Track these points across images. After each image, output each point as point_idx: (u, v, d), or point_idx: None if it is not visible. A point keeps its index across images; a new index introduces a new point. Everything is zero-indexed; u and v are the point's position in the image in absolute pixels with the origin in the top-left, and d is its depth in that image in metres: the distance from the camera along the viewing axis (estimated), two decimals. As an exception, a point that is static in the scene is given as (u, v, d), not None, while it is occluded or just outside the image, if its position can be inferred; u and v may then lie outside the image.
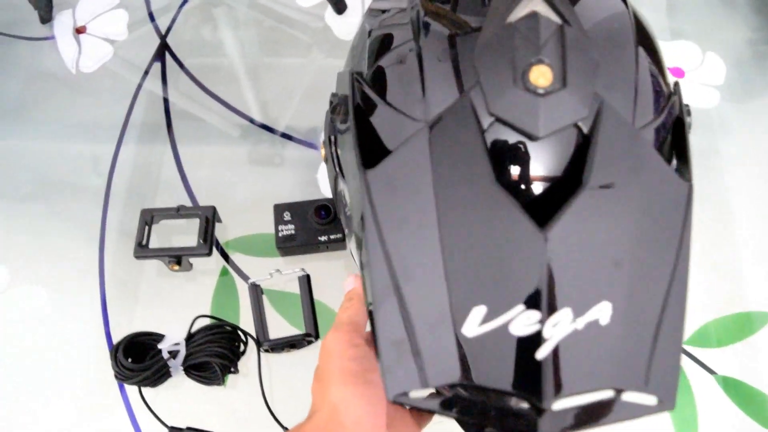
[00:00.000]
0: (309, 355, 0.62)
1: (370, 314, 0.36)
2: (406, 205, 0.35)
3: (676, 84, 0.41)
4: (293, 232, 0.62)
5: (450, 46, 0.37)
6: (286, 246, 0.62)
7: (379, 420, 0.39)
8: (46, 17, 0.76)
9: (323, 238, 0.62)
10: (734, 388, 0.57)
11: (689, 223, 0.36)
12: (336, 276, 0.64)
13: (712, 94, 0.71)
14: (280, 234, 0.62)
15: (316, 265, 0.64)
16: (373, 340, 0.36)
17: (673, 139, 0.39)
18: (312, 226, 0.62)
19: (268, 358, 0.61)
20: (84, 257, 0.66)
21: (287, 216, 0.63)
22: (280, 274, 0.63)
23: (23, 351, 0.63)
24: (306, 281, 0.62)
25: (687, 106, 0.41)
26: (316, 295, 0.62)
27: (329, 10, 0.76)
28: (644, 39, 0.40)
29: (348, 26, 0.75)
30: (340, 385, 0.39)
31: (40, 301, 0.64)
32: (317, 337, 0.62)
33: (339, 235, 0.62)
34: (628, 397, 0.35)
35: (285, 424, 0.57)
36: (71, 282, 0.65)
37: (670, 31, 0.76)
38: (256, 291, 0.62)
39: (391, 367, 0.34)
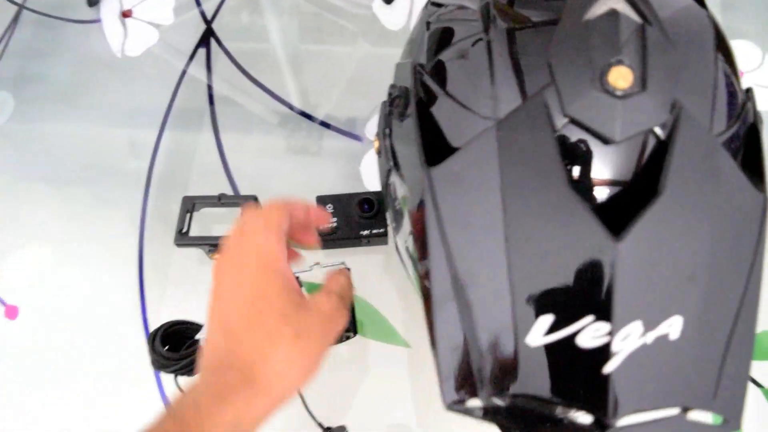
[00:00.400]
0: (346, 350, 0.61)
1: (428, 316, 0.35)
2: (472, 206, 0.34)
3: (750, 90, 0.39)
4: (335, 224, 0.61)
5: (522, 41, 0.36)
6: (328, 239, 0.61)
7: (305, 381, 0.36)
8: (94, 0, 0.75)
9: (366, 233, 0.60)
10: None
11: (764, 236, 0.35)
12: (376, 271, 0.63)
13: (772, 97, 0.69)
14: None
15: (356, 259, 0.63)
16: (431, 344, 0.35)
17: (747, 148, 0.38)
18: (355, 219, 0.61)
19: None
20: (124, 243, 0.65)
21: (330, 208, 0.61)
22: (320, 267, 0.62)
23: (62, 334, 0.63)
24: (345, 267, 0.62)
25: (760, 113, 0.39)
26: (355, 290, 0.62)
27: (377, 2, 0.74)
28: (722, 42, 0.38)
29: (396, 16, 0.74)
30: (276, 340, 0.35)
31: (81, 284, 0.64)
32: (356, 332, 0.61)
33: (382, 230, 0.61)
34: (694, 415, 0.33)
35: (320, 420, 0.56)
36: (111, 267, 0.65)
37: (727, 29, 0.74)
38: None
39: (450, 373, 0.33)
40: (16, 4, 0.77)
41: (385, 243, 0.61)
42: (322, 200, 0.62)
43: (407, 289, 0.62)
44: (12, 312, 0.63)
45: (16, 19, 0.77)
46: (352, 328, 0.60)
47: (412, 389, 0.57)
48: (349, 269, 0.62)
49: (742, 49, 0.72)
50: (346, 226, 0.61)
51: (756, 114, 0.39)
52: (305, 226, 0.44)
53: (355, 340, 0.61)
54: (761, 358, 0.58)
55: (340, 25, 0.74)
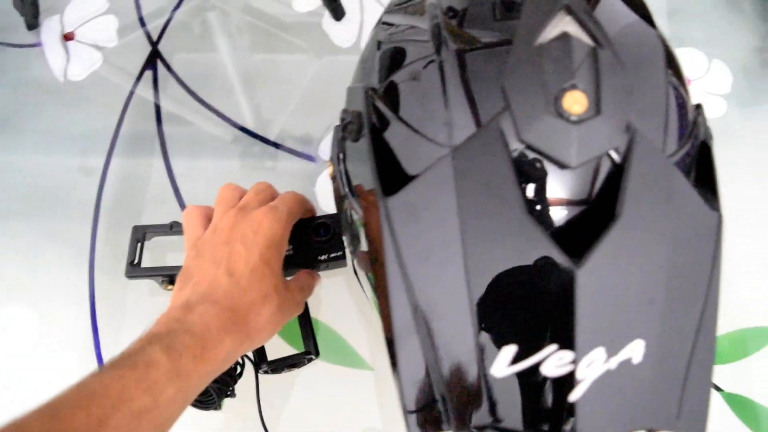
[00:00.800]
0: (307, 374, 0.60)
1: (389, 346, 0.35)
2: (430, 236, 0.33)
3: (700, 106, 0.40)
4: (291, 252, 0.57)
5: (474, 64, 0.36)
6: (285, 268, 0.56)
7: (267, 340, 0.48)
8: (33, 23, 0.73)
9: (323, 257, 0.57)
10: (741, 405, 0.56)
11: (719, 254, 0.35)
12: (334, 293, 0.62)
13: (719, 103, 0.70)
14: None
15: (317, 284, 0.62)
16: (394, 377, 0.34)
17: (699, 166, 0.38)
18: (311, 245, 0.57)
19: (265, 379, 0.59)
20: (74, 276, 0.63)
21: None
22: None
23: (14, 373, 0.60)
24: None
25: (710, 129, 0.40)
26: (313, 314, 0.60)
27: (327, 16, 0.74)
28: (671, 60, 0.38)
29: (346, 33, 0.73)
30: (267, 304, 0.45)
31: (30, 322, 0.62)
32: (317, 354, 0.59)
33: (339, 253, 0.58)
34: None
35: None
36: (62, 303, 0.62)
37: (673, 37, 0.75)
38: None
39: (414, 406, 0.33)
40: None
41: (344, 265, 0.60)
42: None
43: (368, 311, 0.61)
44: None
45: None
46: (313, 351, 0.59)
47: (381, 413, 0.56)
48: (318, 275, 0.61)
49: (688, 57, 0.73)
50: (303, 251, 0.57)
51: (707, 130, 0.39)
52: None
53: (319, 367, 0.60)
54: (720, 362, 0.59)
55: (291, 42, 0.73)
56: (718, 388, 0.57)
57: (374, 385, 0.58)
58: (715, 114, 0.69)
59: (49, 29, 0.73)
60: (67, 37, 0.73)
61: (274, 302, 0.45)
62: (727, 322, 0.61)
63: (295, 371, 0.59)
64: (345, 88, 0.46)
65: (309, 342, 0.59)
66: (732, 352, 0.60)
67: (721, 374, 0.58)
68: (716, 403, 0.57)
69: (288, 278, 0.52)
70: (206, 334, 0.40)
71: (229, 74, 0.74)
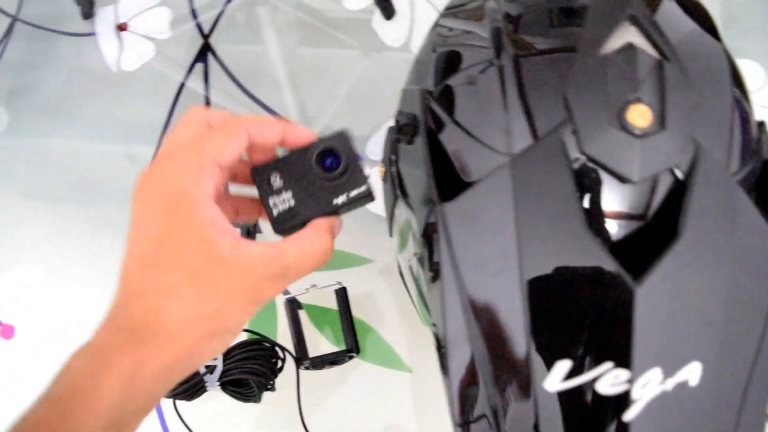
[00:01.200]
0: (348, 372, 0.60)
1: (441, 355, 0.35)
2: (486, 245, 0.33)
3: (763, 124, 0.39)
4: (292, 202, 0.38)
5: (535, 70, 0.35)
6: (290, 225, 0.38)
7: (215, 337, 0.32)
8: (88, 13, 0.74)
9: (340, 199, 0.38)
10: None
11: (781, 277, 0.34)
12: (376, 292, 0.62)
13: (776, 118, 0.68)
14: (275, 210, 0.38)
15: (353, 278, 0.62)
16: (445, 386, 0.34)
17: (760, 185, 0.37)
18: (318, 185, 0.38)
19: (306, 375, 0.59)
20: (118, 261, 0.64)
21: (277, 180, 0.38)
22: (316, 288, 0.61)
23: (58, 353, 0.61)
24: (343, 294, 0.60)
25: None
26: (355, 313, 0.61)
27: (377, 15, 0.73)
28: (737, 76, 0.37)
29: (396, 32, 0.73)
30: (175, 299, 0.31)
31: (75, 303, 0.63)
32: (358, 352, 0.60)
33: (363, 188, 0.38)
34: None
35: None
36: (105, 285, 0.63)
37: (729, 49, 0.73)
38: (292, 306, 0.60)
39: (465, 417, 0.33)
40: (9, 15, 0.75)
41: (372, 200, 0.39)
42: (259, 173, 0.38)
43: (411, 314, 0.61)
44: (8, 332, 0.62)
45: (9, 31, 0.75)
46: (355, 348, 0.59)
47: (417, 417, 0.56)
48: (344, 288, 0.61)
49: (744, 69, 0.71)
50: (309, 199, 0.38)
51: (769, 148, 0.38)
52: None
53: (355, 365, 0.60)
54: None
55: (340, 39, 0.73)
56: None
57: (411, 387, 0.58)
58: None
59: (104, 19, 0.74)
60: (121, 27, 0.74)
61: (185, 296, 0.31)
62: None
63: (335, 369, 0.60)
64: (392, 88, 0.46)
65: (350, 340, 0.59)
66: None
67: None
68: None
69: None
70: (95, 360, 0.31)
71: (277, 69, 0.74)
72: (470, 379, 0.33)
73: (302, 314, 0.61)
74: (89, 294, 0.64)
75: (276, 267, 0.32)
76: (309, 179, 0.38)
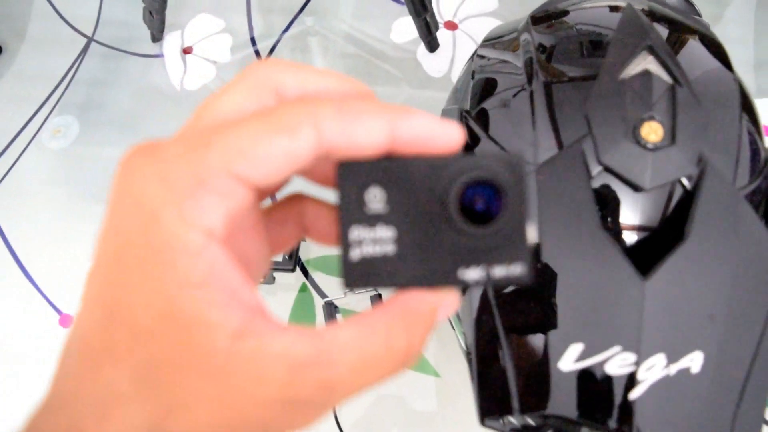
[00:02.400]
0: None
1: (469, 362, 0.38)
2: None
3: (773, 148, 0.43)
4: (392, 249, 0.22)
5: (561, 94, 0.40)
6: (372, 283, 0.23)
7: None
8: (158, 36, 0.81)
9: (473, 275, 0.22)
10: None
11: (782, 283, 0.38)
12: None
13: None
14: (357, 250, 0.22)
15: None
16: (469, 363, 0.38)
17: (768, 203, 0.41)
18: (445, 234, 0.22)
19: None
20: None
21: (376, 200, 0.22)
22: (353, 293, 0.65)
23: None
24: (378, 300, 0.64)
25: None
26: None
27: (421, 47, 0.79)
28: (747, 103, 0.41)
29: (438, 63, 0.78)
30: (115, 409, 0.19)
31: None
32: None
33: (517, 269, 0.22)
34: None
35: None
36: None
37: (757, 88, 0.77)
38: (330, 310, 0.64)
39: (487, 393, 0.36)
40: (85, 36, 0.83)
41: (526, 283, 0.23)
42: (350, 174, 0.22)
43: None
44: (66, 321, 0.67)
45: (84, 50, 0.82)
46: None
47: (443, 422, 0.59)
48: (380, 294, 0.64)
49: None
50: (421, 254, 0.22)
51: (779, 170, 0.42)
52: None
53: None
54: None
55: (386, 69, 0.79)
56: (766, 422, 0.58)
57: (436, 391, 0.61)
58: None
59: (171, 43, 0.81)
60: (186, 50, 0.81)
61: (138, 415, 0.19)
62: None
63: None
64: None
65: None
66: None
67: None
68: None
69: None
70: None
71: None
72: (493, 374, 0.36)
73: (339, 318, 0.65)
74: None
75: (310, 383, 0.19)
76: (433, 220, 0.23)
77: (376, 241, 0.22)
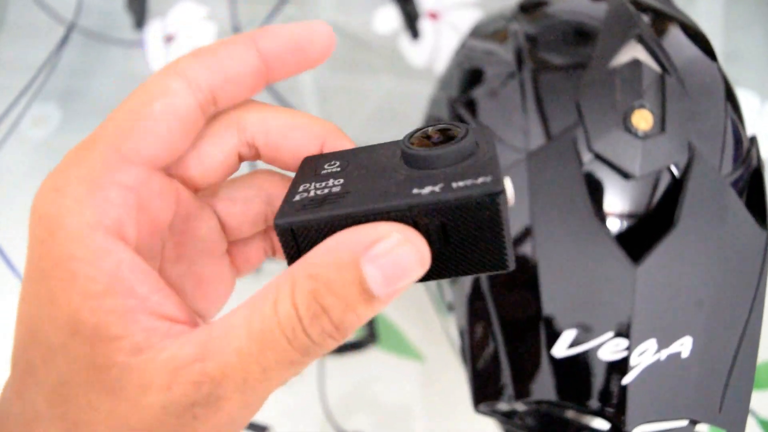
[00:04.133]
0: (365, 358, 0.63)
1: (462, 343, 0.39)
2: (504, 229, 0.37)
3: (754, 138, 0.43)
4: (337, 188, 0.21)
5: (551, 81, 0.40)
6: (304, 220, 0.20)
7: None
8: (141, 21, 0.80)
9: (432, 189, 0.19)
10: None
11: (766, 268, 0.38)
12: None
13: (773, 144, 0.72)
14: (296, 196, 0.21)
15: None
16: (462, 350, 0.38)
17: (751, 190, 0.42)
18: (403, 172, 0.21)
19: (325, 360, 0.63)
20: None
21: (333, 167, 0.22)
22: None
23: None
24: None
25: (762, 159, 0.43)
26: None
27: (402, 38, 0.79)
28: (730, 93, 0.42)
29: (421, 53, 0.78)
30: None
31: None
32: (375, 339, 0.63)
33: (487, 178, 0.19)
34: (701, 428, 0.37)
35: (344, 427, 0.59)
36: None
37: (730, 79, 0.78)
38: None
39: (480, 377, 0.37)
40: (66, 23, 0.81)
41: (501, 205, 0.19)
42: (312, 161, 0.23)
43: (421, 296, 0.65)
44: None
45: (65, 38, 0.81)
46: (371, 337, 0.62)
47: (425, 405, 0.60)
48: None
49: (742, 97, 0.76)
50: (373, 187, 0.20)
51: (759, 159, 0.43)
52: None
53: (374, 352, 0.63)
54: (757, 387, 0.61)
55: (368, 59, 0.79)
56: (752, 413, 0.59)
57: (422, 376, 0.61)
58: (766, 154, 0.71)
59: (153, 30, 0.80)
60: (168, 38, 0.80)
61: None
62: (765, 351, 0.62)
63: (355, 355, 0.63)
64: (415, 105, 0.51)
65: (367, 326, 0.62)
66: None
67: (756, 400, 0.60)
68: (751, 428, 0.58)
69: None
70: None
71: (306, 84, 0.79)
72: (487, 358, 0.37)
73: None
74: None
75: (187, 380, 0.17)
76: (386, 167, 0.21)
77: (320, 188, 0.21)
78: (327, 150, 0.23)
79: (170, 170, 0.21)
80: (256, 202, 0.24)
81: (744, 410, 0.37)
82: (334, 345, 0.18)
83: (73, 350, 0.18)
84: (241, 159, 0.23)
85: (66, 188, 0.18)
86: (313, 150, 0.22)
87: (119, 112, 0.20)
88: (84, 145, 0.19)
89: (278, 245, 0.25)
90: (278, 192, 0.24)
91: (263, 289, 0.18)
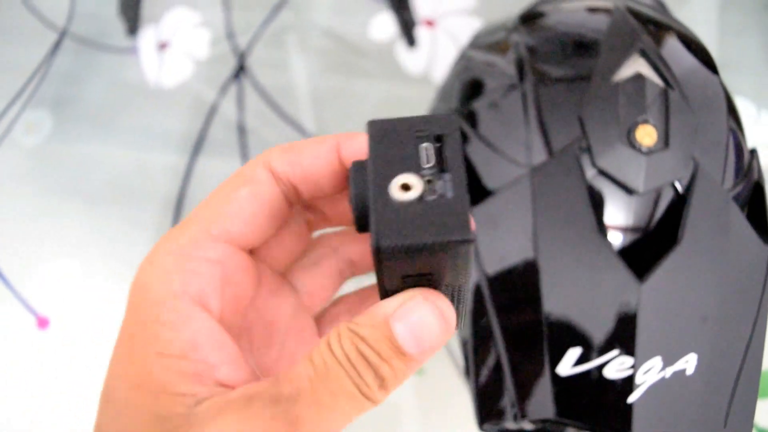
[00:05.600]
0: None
1: (465, 359, 0.38)
2: (508, 244, 0.37)
3: (754, 151, 0.43)
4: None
5: (553, 94, 0.40)
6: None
7: None
8: (134, 27, 0.79)
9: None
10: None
11: (769, 283, 0.38)
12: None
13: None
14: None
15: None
16: (466, 370, 0.38)
17: (752, 204, 0.41)
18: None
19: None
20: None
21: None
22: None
23: (92, 346, 0.65)
24: None
25: (762, 172, 0.43)
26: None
27: (398, 45, 0.79)
28: (732, 107, 0.42)
29: (417, 61, 0.78)
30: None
31: (109, 299, 0.67)
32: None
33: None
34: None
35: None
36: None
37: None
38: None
39: (485, 397, 0.36)
40: (58, 29, 0.80)
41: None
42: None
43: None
44: (44, 323, 0.65)
45: (58, 44, 0.80)
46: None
47: (422, 419, 0.59)
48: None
49: (739, 107, 0.76)
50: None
51: (760, 172, 0.43)
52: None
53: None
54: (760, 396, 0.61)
55: (363, 66, 0.78)
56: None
57: (417, 390, 0.61)
58: (764, 163, 0.71)
59: (146, 37, 0.79)
60: (162, 45, 0.79)
61: None
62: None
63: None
64: (410, 112, 0.50)
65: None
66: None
67: (759, 409, 0.60)
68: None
69: None
70: None
71: (301, 90, 0.79)
72: (491, 376, 0.36)
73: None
74: (122, 289, 0.67)
75: (263, 407, 0.19)
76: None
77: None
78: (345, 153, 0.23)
79: (257, 253, 0.24)
80: (326, 264, 0.26)
81: (748, 424, 0.37)
82: (383, 396, 0.20)
83: (137, 402, 0.19)
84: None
85: (158, 260, 0.20)
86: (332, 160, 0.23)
87: (213, 196, 0.22)
88: (180, 225, 0.22)
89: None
90: (345, 246, 0.27)
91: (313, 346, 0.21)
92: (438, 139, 0.21)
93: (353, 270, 0.27)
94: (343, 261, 0.27)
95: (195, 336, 0.19)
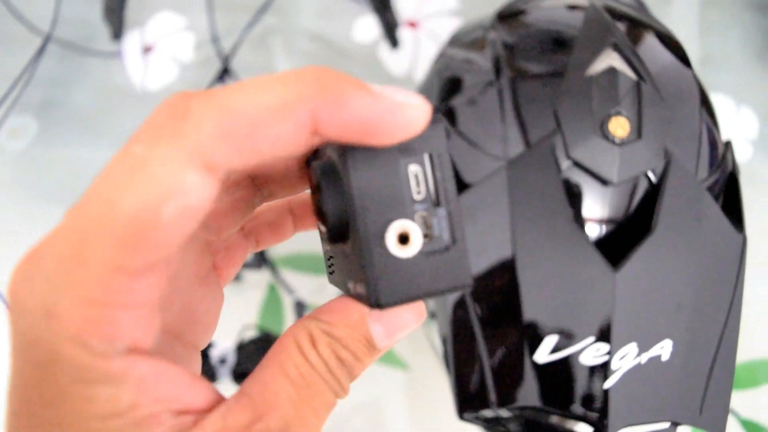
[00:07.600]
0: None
1: (445, 352, 0.39)
2: (486, 236, 0.38)
3: (729, 143, 0.44)
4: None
5: (529, 89, 0.40)
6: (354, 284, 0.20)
7: None
8: (118, 32, 0.79)
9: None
10: (757, 433, 0.59)
11: (743, 271, 0.39)
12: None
13: (746, 148, 0.74)
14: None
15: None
16: (445, 361, 0.38)
17: (727, 194, 0.42)
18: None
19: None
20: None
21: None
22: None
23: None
24: None
25: (737, 163, 0.44)
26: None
27: (381, 46, 0.79)
28: (705, 100, 0.43)
29: (398, 63, 0.79)
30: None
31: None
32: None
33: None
34: (683, 429, 0.37)
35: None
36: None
37: (704, 83, 0.79)
38: (299, 310, 0.65)
39: (464, 385, 0.37)
40: (42, 34, 0.81)
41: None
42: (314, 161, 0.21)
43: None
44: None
45: (42, 48, 0.80)
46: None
47: (410, 416, 0.60)
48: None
49: (717, 102, 0.77)
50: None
51: (734, 163, 0.43)
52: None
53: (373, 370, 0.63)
54: (738, 387, 0.61)
55: (347, 68, 0.79)
56: (734, 413, 0.60)
57: (405, 385, 0.61)
58: (741, 158, 0.73)
59: (131, 41, 0.80)
60: (147, 49, 0.79)
61: None
62: (745, 352, 0.63)
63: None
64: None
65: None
66: (748, 379, 0.62)
67: (739, 400, 0.61)
68: (732, 427, 0.59)
69: None
70: None
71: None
72: (470, 368, 0.37)
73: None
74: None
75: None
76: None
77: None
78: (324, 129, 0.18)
79: None
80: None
81: (724, 411, 0.38)
82: (348, 389, 0.19)
83: (65, 408, 0.16)
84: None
85: (62, 314, 0.16)
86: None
87: (113, 216, 0.17)
88: (74, 255, 0.17)
89: (262, 238, 0.24)
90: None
91: (277, 345, 0.19)
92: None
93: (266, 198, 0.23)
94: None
95: (141, 382, 0.17)
